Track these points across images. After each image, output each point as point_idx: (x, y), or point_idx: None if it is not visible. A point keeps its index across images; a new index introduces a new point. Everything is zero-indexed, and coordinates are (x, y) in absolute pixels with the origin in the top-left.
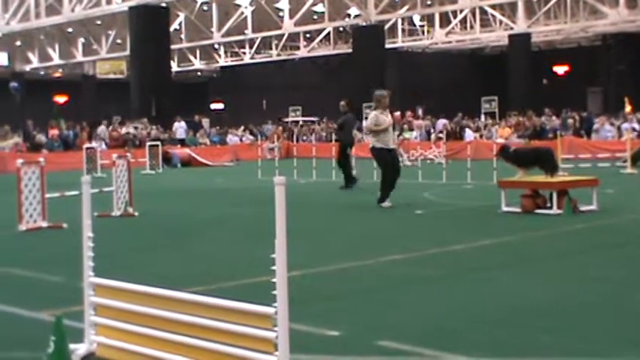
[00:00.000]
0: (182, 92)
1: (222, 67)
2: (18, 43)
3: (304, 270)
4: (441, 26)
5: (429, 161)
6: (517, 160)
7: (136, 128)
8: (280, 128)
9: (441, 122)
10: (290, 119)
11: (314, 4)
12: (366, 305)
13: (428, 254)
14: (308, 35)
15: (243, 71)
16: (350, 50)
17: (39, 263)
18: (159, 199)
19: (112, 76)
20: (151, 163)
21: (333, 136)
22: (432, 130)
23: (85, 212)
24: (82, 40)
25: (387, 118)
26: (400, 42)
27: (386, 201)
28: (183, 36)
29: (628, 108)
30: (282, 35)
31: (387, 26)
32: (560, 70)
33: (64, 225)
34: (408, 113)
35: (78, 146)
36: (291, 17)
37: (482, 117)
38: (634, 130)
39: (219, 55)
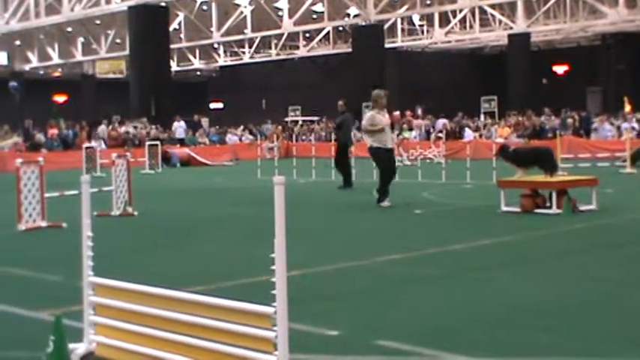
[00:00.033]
0: (181, 92)
1: (221, 67)
2: (17, 42)
3: (303, 270)
4: (441, 26)
5: (428, 161)
6: (516, 160)
7: (135, 128)
8: (280, 128)
9: (441, 122)
10: (289, 119)
11: (313, 4)
12: (366, 305)
13: (427, 254)
14: (307, 35)
15: (243, 71)
16: (349, 50)
17: (38, 263)
18: (158, 198)
19: (111, 75)
20: (151, 163)
21: (333, 136)
22: (431, 130)
23: (85, 212)
24: (81, 39)
25: (383, 118)
26: (400, 41)
27: (385, 201)
28: (182, 35)
29: (627, 107)
30: (282, 35)
31: (386, 26)
32: (560, 69)
33: (64, 224)
34: (408, 113)
35: (77, 146)
36: (290, 17)
37: (482, 116)
38: (633, 129)
39: (219, 55)
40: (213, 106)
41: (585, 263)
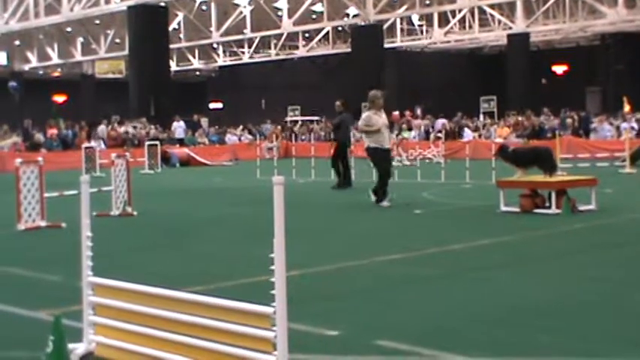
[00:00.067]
0: (181, 92)
1: (220, 67)
2: (17, 42)
3: (303, 270)
4: (440, 26)
5: (427, 161)
6: (516, 160)
7: (134, 128)
8: (279, 128)
9: (440, 122)
10: (289, 119)
11: (313, 4)
12: (365, 305)
13: (427, 254)
14: (307, 35)
15: (242, 71)
16: (349, 50)
17: (38, 263)
18: (158, 198)
19: (110, 75)
20: (150, 163)
21: (332, 136)
22: (430, 130)
23: (84, 212)
24: (80, 39)
25: (379, 119)
26: (399, 41)
27: (384, 200)
28: (182, 35)
29: (627, 107)
30: (281, 35)
31: (385, 26)
32: (559, 69)
33: (63, 224)
34: (407, 113)
35: (77, 146)
36: (289, 17)
37: (481, 116)
38: (633, 129)
39: (218, 55)
40: (212, 106)
41: (584, 263)
